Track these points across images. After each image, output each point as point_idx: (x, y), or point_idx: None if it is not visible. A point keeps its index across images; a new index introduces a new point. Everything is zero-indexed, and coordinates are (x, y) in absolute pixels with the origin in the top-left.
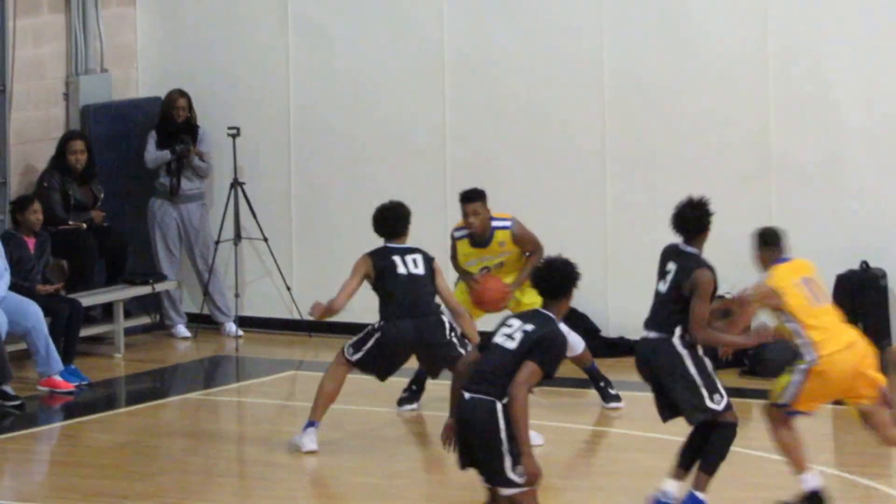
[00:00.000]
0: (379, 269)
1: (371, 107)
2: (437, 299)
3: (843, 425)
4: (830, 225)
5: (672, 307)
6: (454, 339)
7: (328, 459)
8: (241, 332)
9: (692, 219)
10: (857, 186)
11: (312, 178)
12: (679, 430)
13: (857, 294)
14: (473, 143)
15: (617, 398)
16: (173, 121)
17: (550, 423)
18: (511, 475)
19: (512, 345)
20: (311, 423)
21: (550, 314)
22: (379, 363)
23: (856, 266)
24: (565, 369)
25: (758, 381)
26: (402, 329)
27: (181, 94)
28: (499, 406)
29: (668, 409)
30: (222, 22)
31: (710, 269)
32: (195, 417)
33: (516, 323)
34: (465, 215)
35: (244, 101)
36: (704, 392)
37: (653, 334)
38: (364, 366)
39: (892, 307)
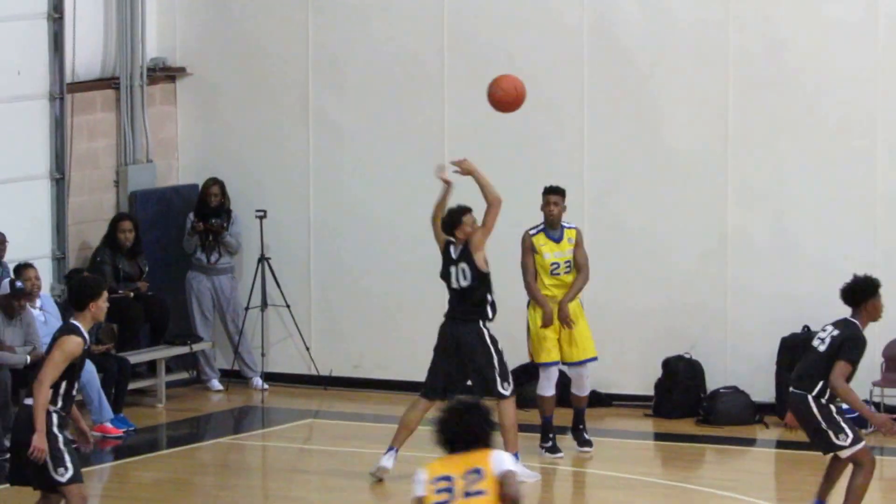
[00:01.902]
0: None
1: (383, 189)
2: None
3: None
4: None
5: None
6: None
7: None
8: (266, 386)
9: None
10: (802, 263)
11: (330, 253)
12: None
13: (798, 353)
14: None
15: (590, 443)
16: (208, 205)
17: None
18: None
19: (822, 347)
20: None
21: (854, 320)
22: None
23: (798, 329)
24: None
25: (710, 428)
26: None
27: (215, 181)
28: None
29: None
30: (251, 118)
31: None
32: (226, 458)
33: (828, 328)
34: (547, 204)
35: (270, 187)
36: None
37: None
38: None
39: None
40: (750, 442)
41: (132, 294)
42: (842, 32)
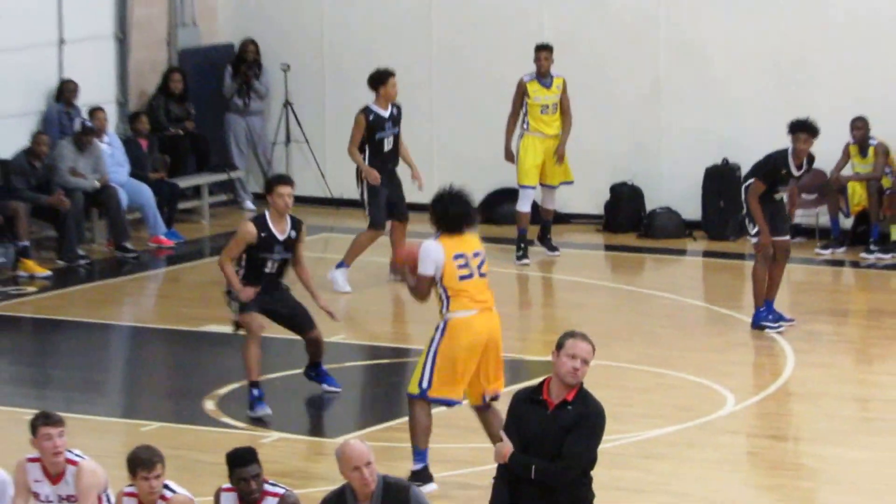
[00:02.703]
0: None
1: (388, 40)
2: None
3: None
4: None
5: None
6: None
7: None
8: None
9: None
10: (724, 101)
11: (341, 98)
12: None
13: (719, 181)
14: None
15: (556, 249)
16: (244, 60)
17: None
18: None
19: None
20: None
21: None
22: None
23: (719, 161)
24: None
25: (649, 241)
26: None
27: (250, 41)
28: None
29: None
30: None
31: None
32: None
33: None
34: (538, 59)
35: (293, 44)
36: None
37: None
38: None
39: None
40: (681, 252)
41: (181, 132)
42: None
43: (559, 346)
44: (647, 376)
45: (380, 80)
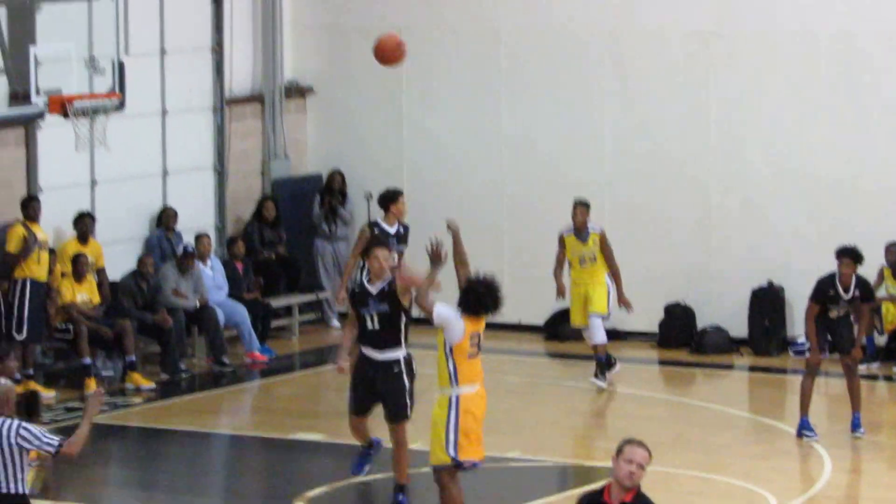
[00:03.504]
0: None
1: (460, 177)
2: None
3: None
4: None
5: None
6: None
7: None
8: None
9: None
10: (770, 228)
11: (417, 224)
12: None
13: (764, 301)
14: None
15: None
16: (331, 189)
17: None
18: None
19: None
20: None
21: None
22: None
23: (764, 283)
24: None
25: (699, 356)
26: None
27: (337, 172)
28: None
29: None
30: (360, 124)
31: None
32: (342, 378)
33: None
34: (575, 214)
35: (374, 175)
36: None
37: None
38: None
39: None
40: (729, 367)
41: (273, 255)
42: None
43: (618, 451)
44: (697, 481)
45: (390, 198)
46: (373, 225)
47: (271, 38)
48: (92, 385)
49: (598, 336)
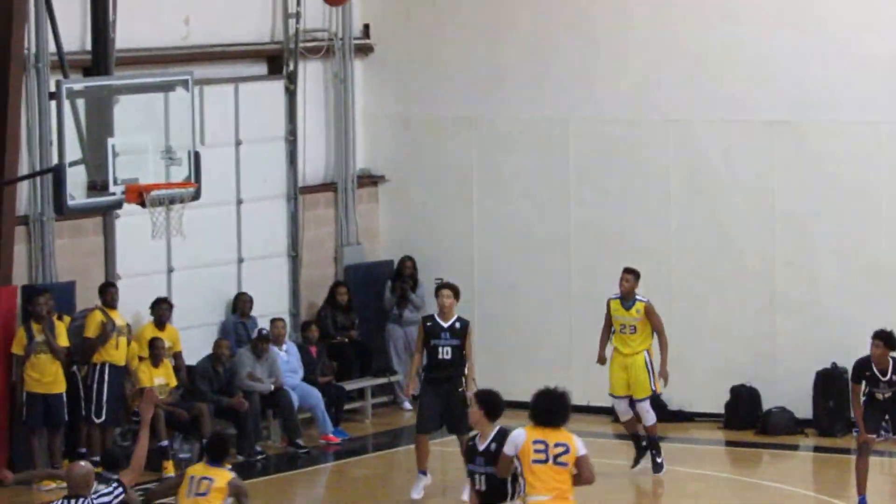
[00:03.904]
0: None
1: (531, 268)
2: None
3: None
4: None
5: None
6: None
7: None
8: None
9: None
10: (833, 313)
11: (488, 313)
12: None
13: (828, 382)
14: None
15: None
16: (403, 274)
17: None
18: None
19: None
20: None
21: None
22: None
23: (828, 365)
24: None
25: (765, 437)
26: None
27: (408, 258)
28: None
29: None
30: (431, 212)
31: None
32: (415, 459)
33: None
34: (622, 280)
35: (445, 261)
36: None
37: None
38: None
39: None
40: (794, 447)
41: (346, 339)
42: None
43: None
44: None
45: (435, 293)
46: (427, 318)
47: (343, 128)
48: (170, 468)
49: (649, 418)
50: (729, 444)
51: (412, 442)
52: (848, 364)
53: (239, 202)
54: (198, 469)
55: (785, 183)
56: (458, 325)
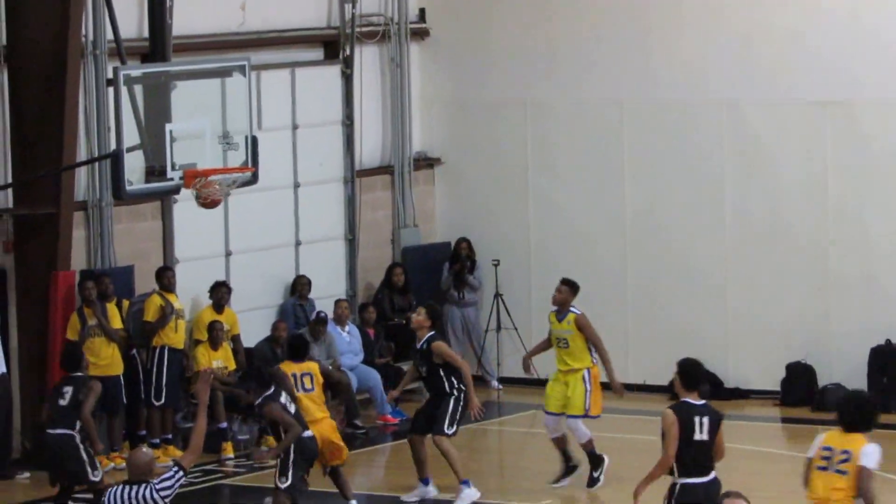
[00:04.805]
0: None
1: (583, 246)
2: None
3: None
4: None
5: None
6: None
7: None
8: (501, 387)
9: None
10: (887, 289)
11: (545, 290)
12: None
13: (884, 358)
14: None
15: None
16: (459, 256)
17: None
18: None
19: None
20: None
21: None
22: None
23: (883, 342)
24: None
25: (821, 413)
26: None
27: (464, 239)
28: None
29: None
30: (488, 193)
31: None
32: (472, 440)
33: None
34: (555, 291)
35: (502, 243)
36: None
37: None
38: None
39: None
40: None
41: (404, 321)
42: None
43: None
44: None
45: None
46: None
47: (399, 112)
48: (229, 449)
49: (581, 435)
50: (785, 420)
51: (469, 421)
52: None
53: (296, 186)
54: (289, 366)
55: (837, 162)
56: (424, 346)
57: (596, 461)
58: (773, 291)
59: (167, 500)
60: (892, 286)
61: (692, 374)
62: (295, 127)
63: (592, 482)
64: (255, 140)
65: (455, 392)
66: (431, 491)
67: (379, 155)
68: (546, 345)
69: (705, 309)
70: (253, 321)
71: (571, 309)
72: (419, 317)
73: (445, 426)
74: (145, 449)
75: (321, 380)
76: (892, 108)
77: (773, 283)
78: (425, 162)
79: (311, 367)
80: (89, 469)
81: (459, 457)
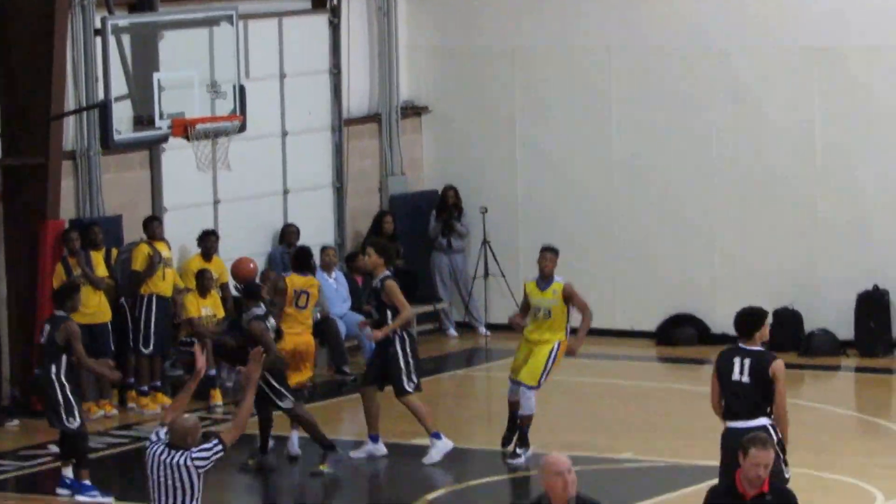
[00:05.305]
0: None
1: (571, 193)
2: None
3: None
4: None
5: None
6: None
7: None
8: (488, 333)
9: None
10: (874, 236)
11: (532, 237)
12: None
13: (870, 305)
14: None
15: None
16: (446, 204)
17: None
18: None
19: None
20: None
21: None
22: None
23: (870, 287)
24: None
25: (808, 358)
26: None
27: (451, 187)
28: None
29: None
30: (475, 142)
31: None
32: (460, 386)
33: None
34: (543, 260)
35: (490, 191)
36: None
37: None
38: None
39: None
40: (836, 368)
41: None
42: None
43: (744, 452)
44: (807, 479)
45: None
46: None
47: (387, 60)
48: (217, 396)
49: (528, 407)
50: None
51: (457, 368)
52: (889, 286)
53: (284, 134)
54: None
55: (826, 109)
56: (378, 284)
57: (523, 441)
58: (760, 238)
59: (200, 472)
60: (879, 232)
61: (739, 322)
62: (283, 76)
63: (514, 456)
64: (242, 89)
65: (398, 340)
66: (381, 449)
67: (367, 103)
68: (523, 314)
69: (693, 255)
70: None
71: (556, 278)
72: (370, 257)
73: (405, 384)
74: (187, 416)
75: (316, 299)
76: (881, 54)
77: (761, 229)
78: (413, 110)
79: (312, 286)
80: (64, 414)
81: (428, 411)
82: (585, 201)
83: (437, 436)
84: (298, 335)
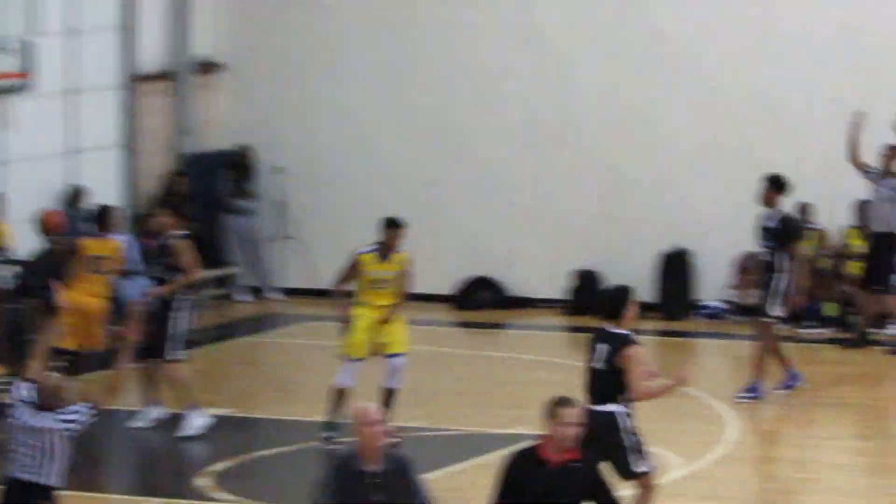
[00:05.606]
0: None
1: (380, 142)
2: None
3: None
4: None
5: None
6: None
7: None
8: (285, 297)
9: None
10: (677, 195)
11: (329, 198)
12: None
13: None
14: None
15: None
16: (239, 164)
17: None
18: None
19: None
20: None
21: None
22: None
23: (670, 247)
24: None
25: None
26: None
27: (246, 146)
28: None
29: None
30: (271, 101)
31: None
32: (249, 354)
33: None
34: (397, 237)
35: (286, 149)
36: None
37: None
38: None
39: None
40: (636, 331)
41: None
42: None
43: (551, 414)
44: None
45: None
46: None
47: (181, 16)
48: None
49: (401, 380)
50: (572, 329)
51: (246, 334)
52: (695, 246)
53: (72, 92)
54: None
55: (629, 63)
56: (166, 240)
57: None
58: (561, 196)
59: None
60: (681, 190)
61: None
62: (72, 31)
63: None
64: (30, 45)
65: (174, 304)
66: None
67: (159, 60)
68: (345, 289)
69: (491, 214)
70: (28, 232)
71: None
72: (160, 218)
73: (166, 351)
74: (54, 374)
75: (117, 267)
76: (685, 6)
77: (562, 187)
78: (208, 67)
79: (113, 248)
80: None
81: (190, 384)
82: (382, 160)
83: (193, 409)
84: (88, 301)
